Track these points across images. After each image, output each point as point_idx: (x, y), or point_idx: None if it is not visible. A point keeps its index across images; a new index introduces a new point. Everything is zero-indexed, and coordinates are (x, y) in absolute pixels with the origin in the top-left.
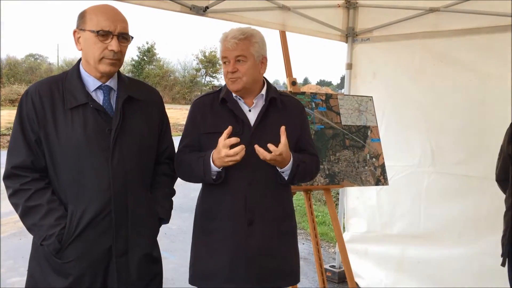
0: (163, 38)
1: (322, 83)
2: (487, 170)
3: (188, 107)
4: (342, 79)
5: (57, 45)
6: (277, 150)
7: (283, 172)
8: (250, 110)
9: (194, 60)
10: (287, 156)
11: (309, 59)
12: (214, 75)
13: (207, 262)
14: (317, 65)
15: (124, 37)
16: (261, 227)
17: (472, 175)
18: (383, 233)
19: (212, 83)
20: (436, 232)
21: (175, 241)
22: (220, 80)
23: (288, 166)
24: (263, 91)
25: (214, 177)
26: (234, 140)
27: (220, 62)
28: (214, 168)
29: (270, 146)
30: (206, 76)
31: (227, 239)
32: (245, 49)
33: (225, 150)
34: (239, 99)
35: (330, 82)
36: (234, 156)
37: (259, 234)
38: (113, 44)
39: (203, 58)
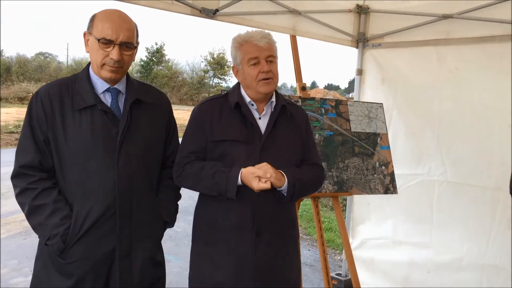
0: (172, 39)
1: (330, 87)
2: (499, 181)
3: None
4: (350, 83)
5: (67, 44)
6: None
7: (281, 191)
8: (260, 118)
9: (202, 61)
10: (278, 175)
11: (316, 63)
12: (222, 77)
13: (210, 272)
14: (325, 69)
15: (127, 46)
16: (268, 237)
17: (484, 186)
18: (392, 242)
19: (220, 84)
20: (447, 242)
21: (180, 244)
22: (228, 82)
23: (284, 186)
24: (273, 98)
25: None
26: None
27: (229, 64)
28: (238, 183)
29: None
30: (214, 78)
31: (235, 249)
32: (273, 50)
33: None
34: (252, 104)
35: (338, 86)
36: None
37: (265, 244)
38: (114, 53)
39: (211, 59)
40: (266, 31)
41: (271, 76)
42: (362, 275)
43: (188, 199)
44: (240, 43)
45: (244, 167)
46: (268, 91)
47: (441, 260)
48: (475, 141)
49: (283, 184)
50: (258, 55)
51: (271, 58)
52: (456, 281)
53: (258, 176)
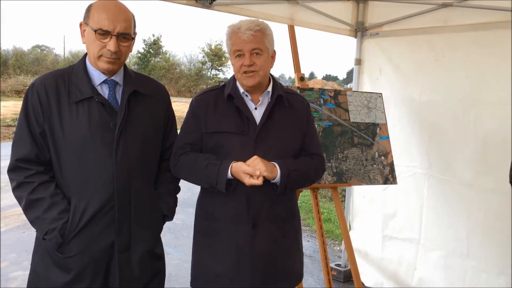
0: (170, 31)
1: (328, 77)
2: (489, 178)
3: None
4: (348, 73)
5: (63, 37)
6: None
7: (275, 183)
8: (256, 108)
9: (200, 53)
10: (269, 168)
11: (315, 53)
12: (220, 68)
13: (210, 264)
14: (323, 60)
15: (125, 37)
16: (265, 229)
17: (471, 184)
18: (384, 235)
19: (218, 76)
20: (432, 240)
21: (179, 237)
22: (226, 74)
23: (277, 178)
24: (269, 88)
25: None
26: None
27: (226, 55)
28: (228, 176)
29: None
30: (212, 69)
31: (232, 241)
32: (260, 42)
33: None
34: (246, 95)
35: (336, 76)
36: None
37: (263, 236)
38: (111, 44)
39: (209, 51)
40: (260, 20)
41: (255, 69)
42: (361, 266)
43: (187, 191)
44: (230, 34)
45: (239, 158)
46: (250, 84)
47: (427, 258)
48: (462, 134)
49: (276, 175)
50: (242, 48)
51: (257, 51)
52: (440, 280)
53: (248, 173)
